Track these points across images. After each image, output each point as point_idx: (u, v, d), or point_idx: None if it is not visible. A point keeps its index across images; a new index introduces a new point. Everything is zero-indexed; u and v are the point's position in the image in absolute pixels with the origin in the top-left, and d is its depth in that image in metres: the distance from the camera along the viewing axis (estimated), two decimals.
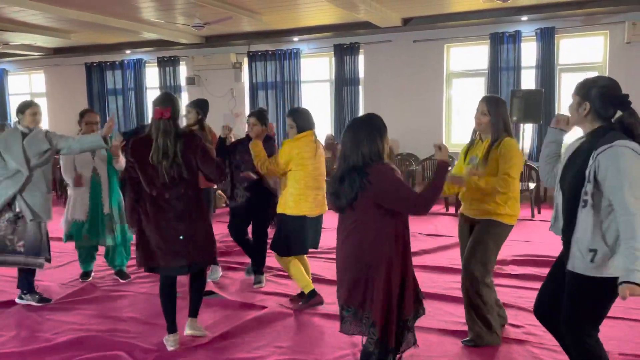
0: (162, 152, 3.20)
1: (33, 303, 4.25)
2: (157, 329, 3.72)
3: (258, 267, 4.71)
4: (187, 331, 3.59)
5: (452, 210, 7.93)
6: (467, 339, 3.43)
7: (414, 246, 5.81)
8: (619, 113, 2.36)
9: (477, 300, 3.31)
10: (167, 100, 3.32)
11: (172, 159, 3.22)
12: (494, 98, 3.38)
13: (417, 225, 7.08)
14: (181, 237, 3.25)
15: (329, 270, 4.70)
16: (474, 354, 3.29)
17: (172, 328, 3.47)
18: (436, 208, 8.24)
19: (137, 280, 4.83)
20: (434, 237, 6.45)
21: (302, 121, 3.93)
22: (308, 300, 4.06)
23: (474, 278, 3.30)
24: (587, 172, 2.27)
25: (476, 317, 3.35)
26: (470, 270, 3.32)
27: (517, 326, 3.61)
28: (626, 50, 8.02)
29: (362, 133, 2.51)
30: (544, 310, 2.65)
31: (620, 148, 2.19)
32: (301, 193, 3.85)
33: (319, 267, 5.08)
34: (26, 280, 4.28)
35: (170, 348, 3.43)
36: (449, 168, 2.78)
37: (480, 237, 3.33)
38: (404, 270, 2.54)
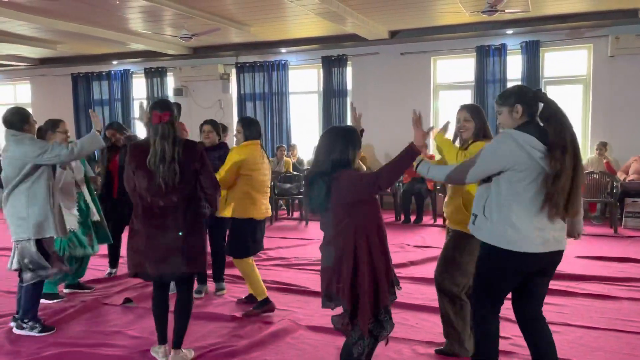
0: (160, 157, 3.14)
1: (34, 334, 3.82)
2: (147, 343, 3.65)
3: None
4: None
5: (439, 221, 7.95)
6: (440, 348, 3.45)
7: (402, 257, 5.89)
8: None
9: (447, 312, 3.31)
10: (165, 104, 3.29)
11: (169, 163, 3.14)
12: (474, 106, 3.42)
13: (405, 237, 7.08)
14: (173, 245, 3.20)
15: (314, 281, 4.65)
16: None
17: (162, 339, 3.39)
18: (424, 220, 8.24)
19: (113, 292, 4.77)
20: (422, 248, 6.45)
21: (249, 131, 4.22)
22: (260, 307, 4.17)
23: (444, 291, 3.30)
24: None
25: (447, 328, 3.35)
26: (439, 283, 3.31)
27: (505, 338, 3.60)
28: (610, 64, 8.17)
29: (336, 141, 2.58)
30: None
31: (502, 133, 2.55)
32: (248, 197, 4.08)
33: (306, 279, 5.07)
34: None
35: None
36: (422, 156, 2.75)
37: (450, 250, 3.29)
38: (370, 261, 2.57)
